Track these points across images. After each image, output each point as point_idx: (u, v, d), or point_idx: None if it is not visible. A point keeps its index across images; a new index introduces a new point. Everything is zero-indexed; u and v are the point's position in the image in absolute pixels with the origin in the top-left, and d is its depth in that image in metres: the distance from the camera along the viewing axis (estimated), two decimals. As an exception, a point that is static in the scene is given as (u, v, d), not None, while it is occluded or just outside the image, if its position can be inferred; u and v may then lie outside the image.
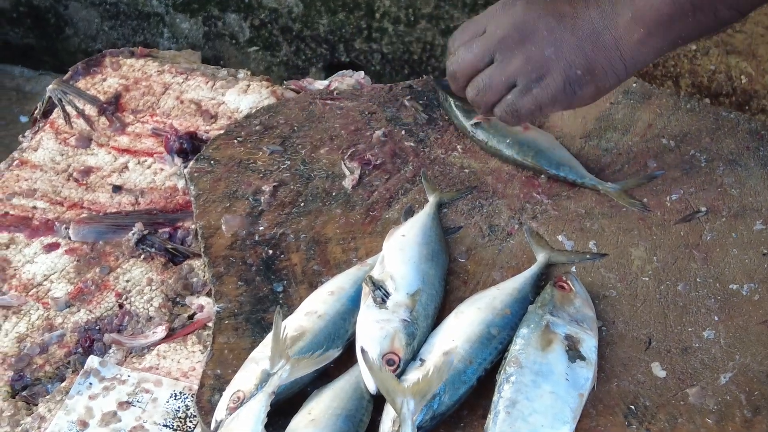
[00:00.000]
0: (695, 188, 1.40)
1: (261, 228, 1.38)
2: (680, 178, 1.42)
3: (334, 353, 1.14)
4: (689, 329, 1.23)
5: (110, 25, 3.51)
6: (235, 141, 1.52)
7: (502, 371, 1.12)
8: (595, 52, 1.25)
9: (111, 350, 1.30)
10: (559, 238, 1.35)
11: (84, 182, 1.54)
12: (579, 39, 1.26)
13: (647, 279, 1.28)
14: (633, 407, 1.14)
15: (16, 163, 1.58)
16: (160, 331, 1.31)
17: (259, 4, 3.25)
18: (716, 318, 1.24)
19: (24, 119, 3.51)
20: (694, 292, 1.27)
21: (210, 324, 1.31)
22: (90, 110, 1.66)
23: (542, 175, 1.43)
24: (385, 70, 3.26)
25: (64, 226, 1.47)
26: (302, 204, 1.41)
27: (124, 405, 1.23)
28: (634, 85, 1.57)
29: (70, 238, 1.45)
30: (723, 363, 1.19)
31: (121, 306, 1.36)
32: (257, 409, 1.08)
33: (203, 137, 1.58)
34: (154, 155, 1.58)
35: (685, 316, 1.24)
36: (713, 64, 1.68)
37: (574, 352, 1.15)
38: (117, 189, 1.53)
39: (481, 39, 1.31)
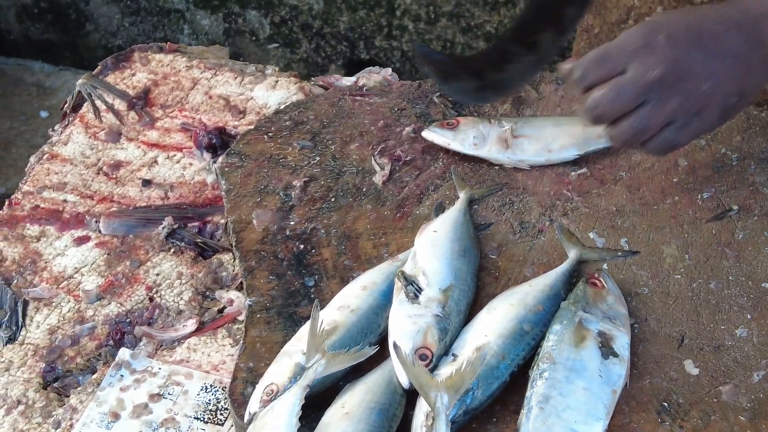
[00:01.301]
0: (727, 187, 1.40)
1: (292, 223, 1.38)
2: (712, 176, 1.42)
3: (371, 350, 1.14)
4: (722, 327, 1.22)
5: (131, 21, 3.52)
6: (266, 136, 1.52)
7: (535, 367, 1.13)
8: (747, 76, 1.25)
9: (141, 343, 1.31)
10: (591, 235, 1.35)
11: (114, 176, 1.55)
12: (730, 67, 1.24)
13: (679, 277, 1.28)
14: (666, 404, 1.14)
15: (46, 156, 1.59)
16: (191, 325, 1.32)
17: (280, 1, 3.26)
18: (749, 316, 1.23)
19: (44, 114, 3.53)
20: (727, 290, 1.27)
21: (240, 318, 1.31)
22: (119, 105, 1.67)
23: (572, 173, 1.43)
24: (404, 68, 3.27)
25: (95, 219, 1.47)
26: (333, 199, 1.42)
27: (156, 397, 1.24)
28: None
29: (100, 232, 1.46)
30: (756, 361, 1.19)
31: (151, 299, 1.36)
32: (292, 402, 1.08)
33: (232, 132, 1.59)
34: (183, 150, 1.58)
35: (718, 314, 1.24)
36: None
37: (607, 349, 1.15)
38: (147, 183, 1.53)
39: (630, 82, 1.24)
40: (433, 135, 1.47)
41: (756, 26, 1.24)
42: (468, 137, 1.45)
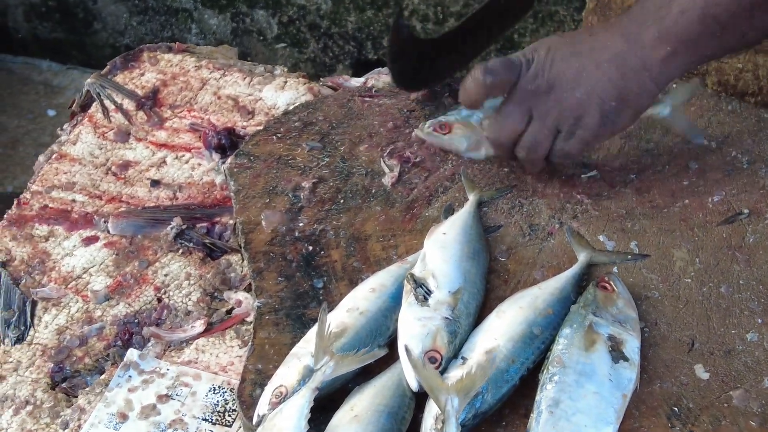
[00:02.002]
0: (737, 190, 1.39)
1: (301, 224, 1.38)
2: (722, 179, 1.41)
3: (380, 353, 1.13)
4: (732, 331, 1.22)
5: (138, 20, 3.52)
6: (275, 137, 1.52)
7: (545, 371, 1.12)
8: (624, 79, 1.27)
9: (150, 344, 1.31)
10: (600, 238, 1.34)
11: (122, 176, 1.55)
12: (605, 71, 1.27)
13: (690, 280, 1.28)
14: (676, 409, 1.14)
15: (55, 156, 1.59)
16: (199, 326, 1.32)
17: (288, 0, 3.25)
18: (759, 320, 1.23)
19: (52, 113, 3.53)
20: (737, 294, 1.26)
21: (248, 319, 1.31)
22: (128, 105, 1.67)
23: (582, 176, 1.43)
24: (412, 68, 3.25)
25: (103, 219, 1.47)
26: (342, 201, 1.41)
27: (164, 398, 1.24)
28: (674, 86, 1.55)
29: (108, 232, 1.46)
30: (767, 365, 1.18)
31: (159, 300, 1.36)
32: (301, 404, 1.08)
33: (241, 133, 1.58)
34: (192, 150, 1.58)
35: (728, 318, 1.23)
36: (741, 62, 1.66)
37: (617, 353, 1.14)
38: (155, 183, 1.53)
39: (512, 102, 1.31)
40: (427, 138, 1.47)
41: (634, 25, 1.26)
42: (462, 144, 1.45)
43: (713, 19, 1.21)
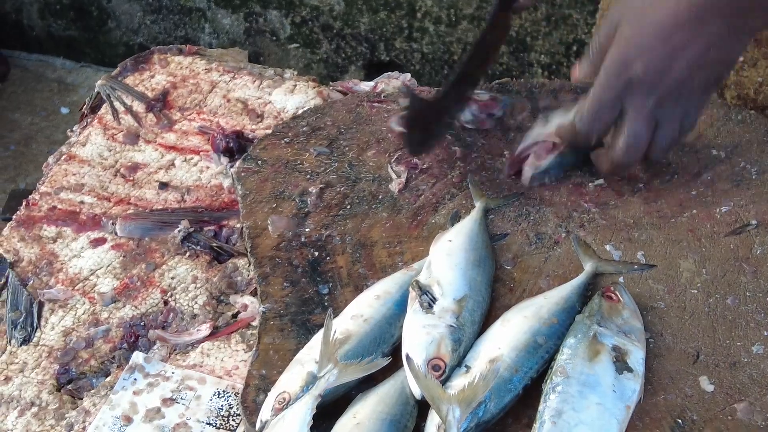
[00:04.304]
0: (746, 201, 1.38)
1: (307, 229, 1.38)
2: (730, 190, 1.40)
3: (383, 362, 1.13)
4: (738, 343, 1.21)
5: (152, 19, 3.53)
6: (283, 141, 1.52)
7: (549, 381, 1.12)
8: (731, 53, 1.27)
9: (155, 347, 1.31)
10: (607, 247, 1.34)
11: (131, 178, 1.56)
12: (713, 61, 1.26)
13: (696, 291, 1.27)
14: (680, 421, 1.13)
15: (64, 157, 1.60)
16: (205, 329, 1.32)
17: (301, 1, 3.26)
18: (766, 333, 1.22)
19: (65, 111, 3.55)
20: (744, 306, 1.25)
21: (254, 323, 1.31)
22: (138, 107, 1.67)
23: (589, 184, 1.43)
24: (424, 70, 3.26)
25: (111, 221, 1.48)
26: (348, 206, 1.41)
27: (168, 402, 1.24)
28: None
29: (116, 234, 1.47)
30: (772, 379, 1.18)
31: (166, 303, 1.37)
32: (303, 411, 1.08)
33: (249, 136, 1.59)
34: (201, 153, 1.58)
35: (734, 330, 1.23)
36: (761, 76, 1.65)
37: (621, 364, 1.14)
38: (163, 186, 1.54)
39: (634, 117, 1.30)
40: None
41: (735, 5, 1.23)
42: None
43: None
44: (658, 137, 1.32)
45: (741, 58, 1.60)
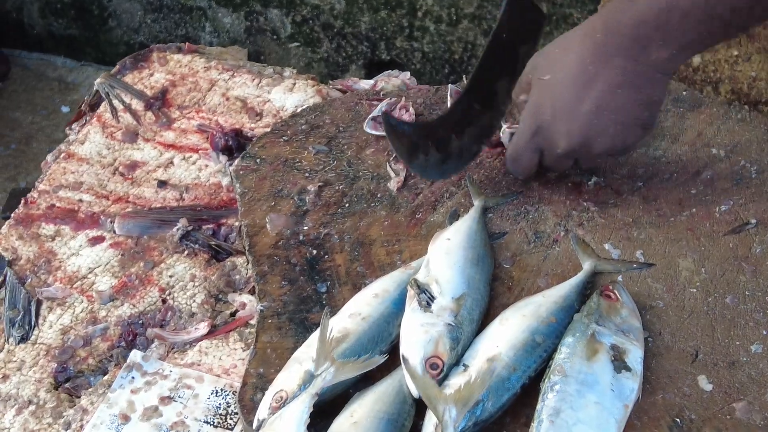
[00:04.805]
0: (745, 200, 1.38)
1: (305, 228, 1.38)
2: (730, 188, 1.40)
3: (380, 359, 1.13)
4: (737, 343, 1.21)
5: (153, 18, 3.53)
6: (281, 140, 1.52)
7: (547, 379, 1.12)
8: (642, 90, 1.26)
9: (153, 345, 1.31)
10: (606, 246, 1.33)
11: (130, 176, 1.55)
12: (623, 96, 1.26)
13: (695, 290, 1.27)
14: (678, 420, 1.13)
15: (63, 155, 1.60)
16: (203, 328, 1.32)
17: (302, 0, 3.25)
18: (764, 332, 1.22)
19: (66, 109, 3.54)
20: (743, 305, 1.25)
21: (252, 322, 1.31)
22: (137, 105, 1.67)
23: (588, 182, 1.42)
24: (425, 69, 3.25)
25: (110, 219, 1.48)
26: (347, 205, 1.41)
27: (166, 400, 1.24)
28: (684, 93, 1.55)
29: (114, 232, 1.47)
30: (771, 378, 1.17)
31: (164, 301, 1.36)
32: (300, 410, 1.08)
33: (248, 135, 1.58)
34: (200, 151, 1.58)
35: (733, 329, 1.22)
36: (754, 70, 1.65)
37: (619, 363, 1.13)
38: (162, 184, 1.53)
39: (550, 159, 1.34)
40: None
41: (636, 38, 1.23)
42: None
43: (717, 18, 1.20)
44: (578, 166, 1.37)
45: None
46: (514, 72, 1.38)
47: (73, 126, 1.67)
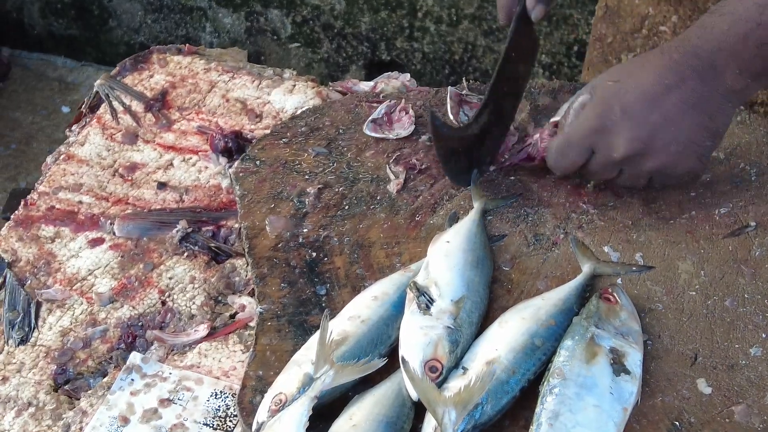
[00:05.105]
0: (744, 202, 1.38)
1: (305, 230, 1.38)
2: (729, 191, 1.40)
3: (379, 362, 1.13)
4: (736, 346, 1.21)
5: (153, 18, 3.53)
6: (281, 142, 1.52)
7: (546, 382, 1.12)
8: (713, 118, 1.26)
9: (153, 347, 1.31)
10: (605, 249, 1.33)
11: (129, 178, 1.55)
12: (693, 117, 1.26)
13: (694, 293, 1.27)
14: (677, 423, 1.13)
15: (62, 157, 1.60)
16: (202, 330, 1.32)
17: (302, 0, 3.26)
18: (764, 335, 1.22)
19: (66, 110, 3.54)
20: (742, 308, 1.25)
21: (251, 324, 1.31)
22: (136, 106, 1.67)
23: (588, 185, 1.42)
24: (425, 70, 3.26)
25: (109, 221, 1.48)
26: (347, 207, 1.41)
27: (165, 402, 1.24)
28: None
29: (114, 234, 1.46)
30: (770, 381, 1.18)
31: (163, 303, 1.36)
32: (299, 413, 1.08)
33: (248, 136, 1.58)
34: (199, 153, 1.58)
35: (732, 332, 1.22)
36: None
37: (618, 366, 1.13)
38: (162, 186, 1.53)
39: (599, 164, 1.32)
40: None
41: (711, 64, 1.24)
42: None
43: None
44: (620, 178, 1.34)
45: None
46: (516, 89, 1.42)
47: (73, 127, 1.67)
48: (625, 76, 1.30)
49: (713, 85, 1.24)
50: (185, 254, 1.43)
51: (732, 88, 1.24)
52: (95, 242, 1.46)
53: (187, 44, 1.79)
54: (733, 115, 1.29)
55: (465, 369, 1.14)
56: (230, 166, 1.52)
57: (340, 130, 1.54)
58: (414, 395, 1.10)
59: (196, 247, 1.43)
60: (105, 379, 1.28)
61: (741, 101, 1.28)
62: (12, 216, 1.50)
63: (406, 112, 1.54)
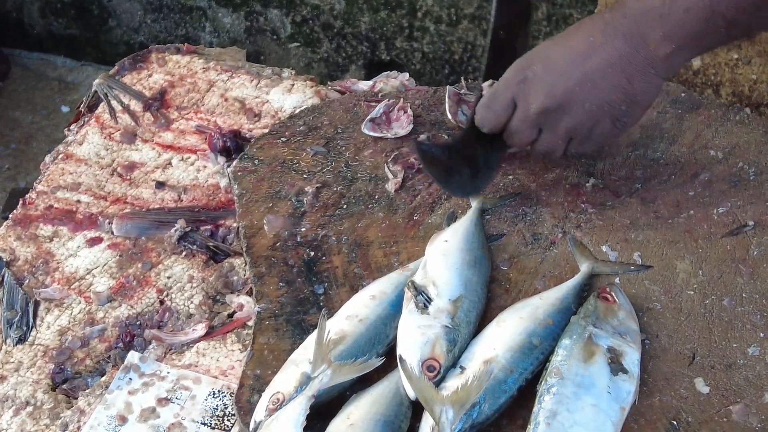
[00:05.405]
0: (743, 202, 1.38)
1: (303, 229, 1.38)
2: (728, 190, 1.40)
3: (377, 362, 1.13)
4: (734, 345, 1.21)
5: (153, 17, 3.53)
6: (279, 141, 1.52)
7: (543, 382, 1.12)
8: (631, 82, 1.26)
9: (151, 346, 1.31)
10: (603, 248, 1.33)
11: (128, 177, 1.55)
12: (611, 78, 1.26)
13: (692, 293, 1.27)
14: (675, 423, 1.13)
15: (61, 156, 1.59)
16: (200, 329, 1.32)
17: (302, 0, 3.25)
18: (762, 334, 1.22)
19: (66, 109, 3.54)
20: (740, 307, 1.25)
21: (249, 323, 1.31)
22: (135, 106, 1.67)
23: (587, 184, 1.42)
24: (425, 69, 3.25)
25: (107, 220, 1.48)
26: (345, 206, 1.41)
27: (163, 401, 1.24)
28: (683, 94, 1.55)
29: (112, 233, 1.46)
30: (767, 380, 1.17)
31: (161, 302, 1.36)
32: (297, 412, 1.08)
33: (247, 136, 1.58)
34: (198, 152, 1.58)
35: (730, 331, 1.22)
36: (755, 73, 1.65)
37: (616, 365, 1.13)
38: (160, 185, 1.53)
39: (519, 120, 1.31)
40: None
41: (638, 26, 1.24)
42: None
43: (720, 16, 1.21)
44: (538, 141, 1.33)
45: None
46: None
47: (71, 127, 1.67)
48: (560, 36, 1.32)
49: (636, 47, 1.24)
50: (183, 253, 1.43)
51: (655, 53, 1.24)
52: (93, 241, 1.46)
53: (185, 43, 1.78)
54: (658, 86, 1.28)
55: (463, 368, 1.14)
56: (229, 166, 1.52)
57: (339, 130, 1.54)
58: (412, 394, 1.10)
59: (195, 247, 1.43)
60: (103, 379, 1.28)
61: (667, 72, 1.27)
62: (10, 215, 1.50)
63: (405, 112, 1.54)
